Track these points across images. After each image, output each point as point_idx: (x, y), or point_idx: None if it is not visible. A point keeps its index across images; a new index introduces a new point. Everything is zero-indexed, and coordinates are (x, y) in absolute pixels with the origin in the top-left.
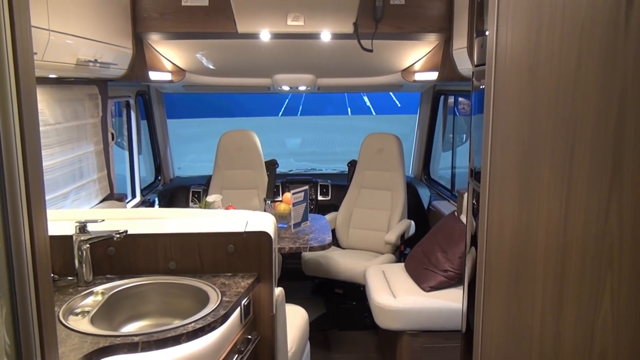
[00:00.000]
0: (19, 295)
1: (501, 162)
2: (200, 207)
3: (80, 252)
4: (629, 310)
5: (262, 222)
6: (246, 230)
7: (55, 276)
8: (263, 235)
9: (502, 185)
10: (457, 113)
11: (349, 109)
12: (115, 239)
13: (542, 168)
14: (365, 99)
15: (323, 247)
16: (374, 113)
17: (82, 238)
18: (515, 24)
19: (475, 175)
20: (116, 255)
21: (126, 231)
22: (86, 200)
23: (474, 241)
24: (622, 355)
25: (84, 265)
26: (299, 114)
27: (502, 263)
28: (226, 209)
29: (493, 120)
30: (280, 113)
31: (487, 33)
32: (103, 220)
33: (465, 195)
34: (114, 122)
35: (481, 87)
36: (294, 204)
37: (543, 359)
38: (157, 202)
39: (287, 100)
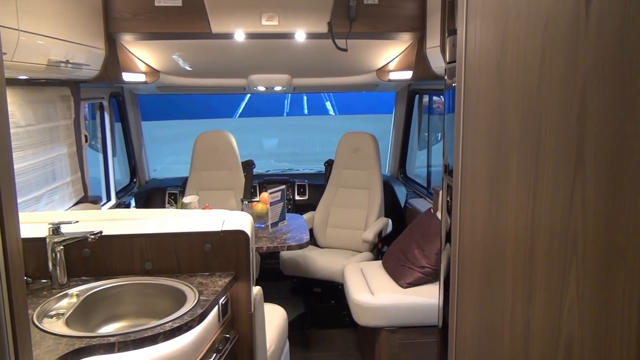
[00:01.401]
0: None
1: (472, 158)
2: (177, 208)
3: (54, 254)
4: (593, 292)
5: (239, 221)
6: (223, 229)
7: (29, 279)
8: (240, 234)
9: (474, 180)
10: (432, 112)
11: (305, 108)
12: (89, 240)
13: (511, 160)
14: (328, 104)
15: (301, 246)
16: (332, 113)
17: (55, 240)
18: (484, 21)
19: (449, 171)
20: (91, 256)
21: (101, 232)
22: (60, 203)
23: (449, 237)
24: (587, 336)
25: (58, 268)
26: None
27: (475, 257)
28: (203, 209)
29: (464, 116)
30: (237, 114)
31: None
32: (77, 222)
33: (442, 192)
34: (88, 124)
35: (453, 85)
36: (271, 204)
37: (514, 346)
38: (133, 205)
39: (245, 102)
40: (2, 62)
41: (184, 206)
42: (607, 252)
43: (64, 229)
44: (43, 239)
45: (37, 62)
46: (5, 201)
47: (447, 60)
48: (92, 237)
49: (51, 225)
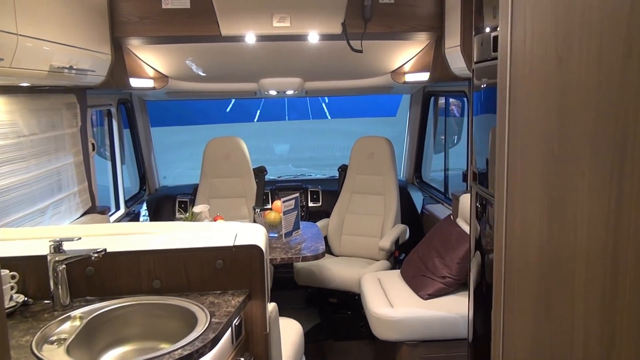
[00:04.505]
0: None
1: (522, 166)
2: (187, 218)
3: (55, 273)
4: None
5: (252, 234)
6: (235, 244)
7: (29, 300)
8: (254, 248)
9: (524, 191)
10: (447, 114)
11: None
12: (93, 258)
13: (580, 168)
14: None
15: (317, 257)
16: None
17: (57, 258)
18: (536, 11)
19: (480, 178)
20: (95, 275)
21: (105, 250)
22: (66, 214)
23: (479, 245)
24: None
25: (60, 288)
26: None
27: (528, 277)
28: (214, 219)
29: (509, 118)
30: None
31: (487, 30)
32: (79, 239)
33: (462, 198)
34: (96, 131)
35: (483, 85)
36: (285, 213)
37: None
38: (142, 213)
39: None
40: None
41: (194, 216)
42: None
43: (66, 246)
44: (44, 257)
45: (38, 68)
46: None
47: (475, 59)
48: (96, 255)
49: (52, 243)
